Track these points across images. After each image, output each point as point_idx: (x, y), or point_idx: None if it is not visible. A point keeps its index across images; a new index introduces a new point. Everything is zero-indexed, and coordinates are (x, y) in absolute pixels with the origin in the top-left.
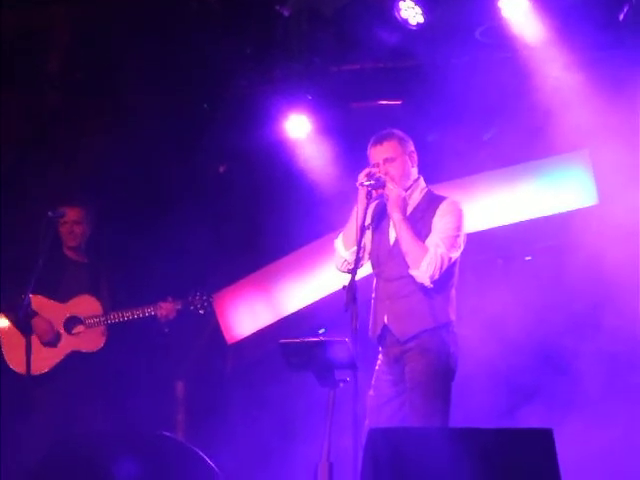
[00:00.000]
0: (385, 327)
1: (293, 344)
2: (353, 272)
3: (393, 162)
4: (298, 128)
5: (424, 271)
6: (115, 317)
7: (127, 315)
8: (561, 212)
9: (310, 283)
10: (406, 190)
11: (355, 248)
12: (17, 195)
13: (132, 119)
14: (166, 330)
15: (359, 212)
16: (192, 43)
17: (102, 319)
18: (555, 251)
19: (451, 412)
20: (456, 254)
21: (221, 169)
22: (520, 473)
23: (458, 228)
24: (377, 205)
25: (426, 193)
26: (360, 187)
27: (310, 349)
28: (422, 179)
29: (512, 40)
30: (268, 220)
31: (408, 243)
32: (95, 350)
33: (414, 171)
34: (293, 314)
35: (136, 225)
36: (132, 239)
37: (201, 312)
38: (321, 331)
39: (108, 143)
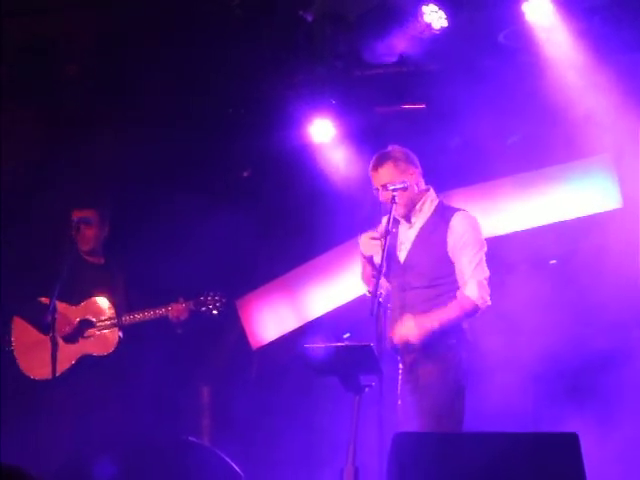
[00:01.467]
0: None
1: (318, 349)
2: (377, 278)
3: (388, 188)
4: (322, 132)
5: (483, 304)
6: (127, 319)
7: (139, 317)
8: (585, 215)
9: (335, 287)
10: (416, 203)
11: None
12: (34, 199)
13: (153, 124)
14: (179, 331)
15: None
16: (215, 48)
17: (114, 321)
18: (579, 254)
19: (466, 416)
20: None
21: (245, 174)
22: (545, 478)
23: (481, 246)
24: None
25: (437, 205)
26: (385, 191)
27: (335, 354)
28: (432, 190)
29: (536, 43)
30: (292, 225)
31: (454, 320)
32: (107, 353)
33: (418, 186)
34: (318, 319)
35: (158, 229)
36: (154, 243)
37: (214, 312)
38: (346, 336)
39: (128, 148)
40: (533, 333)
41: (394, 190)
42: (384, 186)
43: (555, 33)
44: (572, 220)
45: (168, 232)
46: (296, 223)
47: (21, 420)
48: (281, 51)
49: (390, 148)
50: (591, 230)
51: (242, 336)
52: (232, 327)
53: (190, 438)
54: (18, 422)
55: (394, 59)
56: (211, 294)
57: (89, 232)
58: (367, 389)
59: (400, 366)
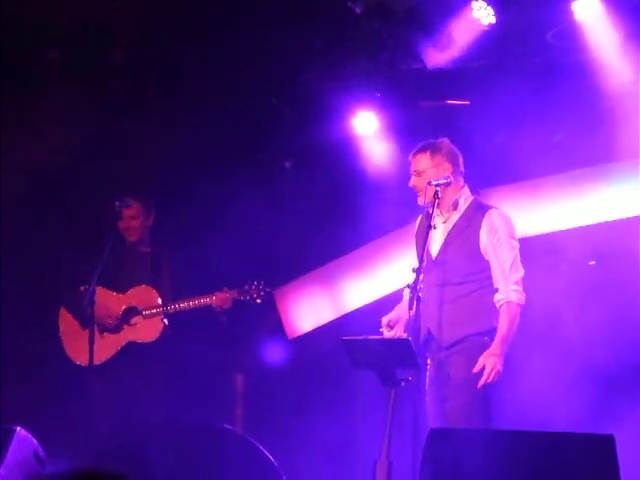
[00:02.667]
0: (430, 333)
1: (356, 341)
2: (418, 272)
3: (420, 175)
4: (366, 125)
5: (522, 303)
6: (172, 308)
7: (183, 305)
8: (626, 217)
9: (373, 280)
10: (450, 201)
11: None
12: (80, 186)
13: (197, 112)
14: (223, 320)
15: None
16: (261, 37)
17: (159, 310)
18: (619, 256)
19: (500, 414)
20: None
21: (287, 164)
22: (580, 479)
23: (515, 244)
24: (425, 215)
25: (472, 202)
26: (429, 186)
27: (373, 347)
28: (467, 187)
29: (584, 43)
30: (333, 216)
31: (512, 330)
32: (151, 341)
33: (457, 182)
34: (355, 311)
35: (202, 217)
36: (198, 231)
37: (258, 301)
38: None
39: (173, 134)
40: (571, 333)
41: (437, 185)
42: (414, 172)
43: (604, 32)
44: (612, 221)
45: (212, 221)
46: (336, 215)
47: (67, 405)
48: (328, 42)
49: (439, 140)
50: (631, 231)
51: (278, 325)
52: (269, 316)
53: (225, 426)
54: (64, 407)
55: (441, 54)
56: (255, 283)
57: (134, 223)
58: (403, 383)
59: (428, 362)
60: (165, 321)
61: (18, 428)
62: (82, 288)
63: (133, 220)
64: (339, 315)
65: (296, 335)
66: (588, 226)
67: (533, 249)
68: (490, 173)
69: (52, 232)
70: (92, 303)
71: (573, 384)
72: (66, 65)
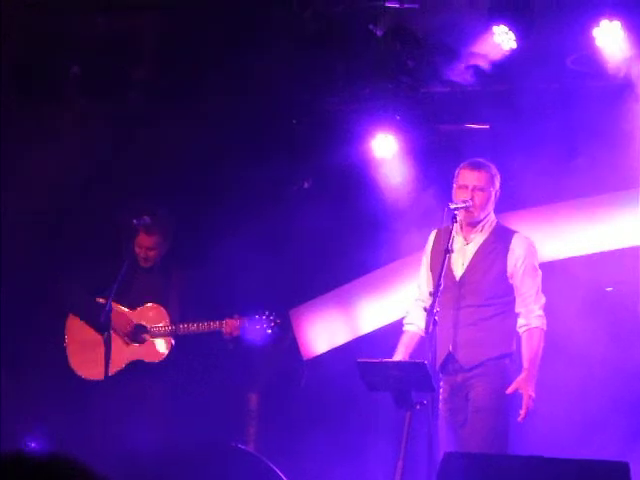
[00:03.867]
0: (449, 355)
1: (371, 364)
2: (435, 295)
3: (481, 192)
4: (384, 147)
5: (544, 325)
6: (181, 329)
7: (193, 328)
8: None
9: (390, 303)
10: (479, 222)
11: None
12: (93, 199)
13: (216, 131)
14: (230, 347)
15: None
16: (283, 57)
17: (168, 330)
18: (637, 282)
19: (516, 439)
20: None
21: (306, 185)
22: None
23: (539, 271)
24: (439, 233)
25: (495, 225)
26: (447, 210)
27: (388, 370)
28: (492, 213)
29: (604, 69)
30: (349, 238)
31: (539, 355)
32: (157, 361)
33: (492, 207)
34: (371, 333)
35: (213, 236)
36: (208, 250)
37: (268, 332)
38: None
39: (190, 153)
40: (587, 359)
41: (456, 209)
42: (475, 187)
43: (625, 60)
44: (631, 248)
45: (227, 239)
46: (354, 236)
47: (68, 419)
48: (349, 64)
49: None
50: None
51: (294, 345)
52: (284, 336)
53: (238, 445)
54: (65, 421)
55: (461, 78)
56: (266, 313)
57: (151, 253)
58: (419, 406)
59: (441, 384)
60: (173, 341)
61: (33, 444)
62: (100, 299)
63: (150, 251)
64: (355, 337)
65: (311, 356)
66: (605, 252)
67: (550, 275)
68: (508, 197)
69: (67, 242)
70: (108, 320)
71: (589, 410)
72: (86, 79)
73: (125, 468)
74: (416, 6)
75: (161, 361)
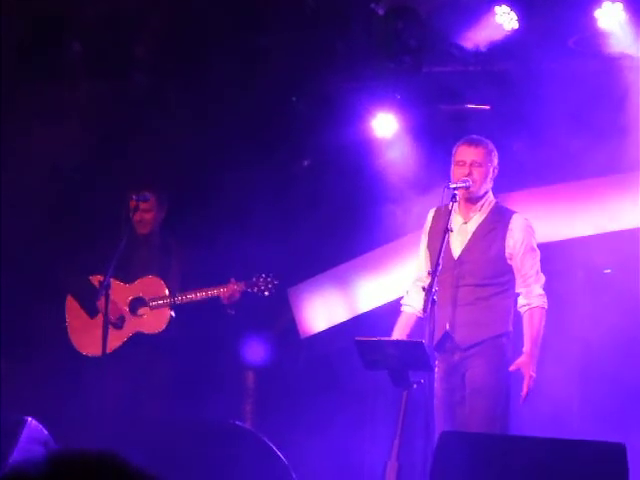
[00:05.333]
0: (446, 334)
1: (369, 342)
2: (433, 275)
3: (479, 167)
4: (385, 127)
5: (544, 304)
6: (179, 299)
7: (191, 296)
8: None
9: (388, 282)
10: (478, 200)
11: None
12: (92, 180)
13: (217, 108)
14: (231, 312)
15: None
16: (284, 36)
17: (166, 301)
18: (635, 264)
19: (514, 419)
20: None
21: (305, 163)
22: None
23: (536, 253)
24: (438, 212)
25: (494, 205)
26: (446, 190)
27: (386, 348)
28: (491, 192)
29: (606, 51)
30: (350, 216)
31: (540, 333)
32: (158, 332)
33: (490, 184)
34: (369, 312)
35: (213, 216)
36: (208, 229)
37: (266, 294)
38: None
39: (191, 130)
40: (585, 341)
41: (456, 189)
42: (473, 162)
43: (626, 41)
44: (629, 230)
45: (227, 217)
46: (354, 215)
47: (72, 396)
48: (350, 43)
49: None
50: None
51: (291, 324)
52: (282, 314)
53: (235, 422)
54: (69, 398)
55: (462, 57)
56: (263, 276)
57: (147, 215)
58: (416, 385)
59: (436, 363)
60: (172, 312)
61: (29, 419)
62: (92, 278)
63: (146, 213)
64: (353, 315)
65: (309, 334)
66: (604, 234)
67: (548, 256)
68: (508, 178)
69: (66, 223)
70: (107, 295)
71: (586, 391)
72: (88, 58)
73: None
74: None
75: (161, 332)
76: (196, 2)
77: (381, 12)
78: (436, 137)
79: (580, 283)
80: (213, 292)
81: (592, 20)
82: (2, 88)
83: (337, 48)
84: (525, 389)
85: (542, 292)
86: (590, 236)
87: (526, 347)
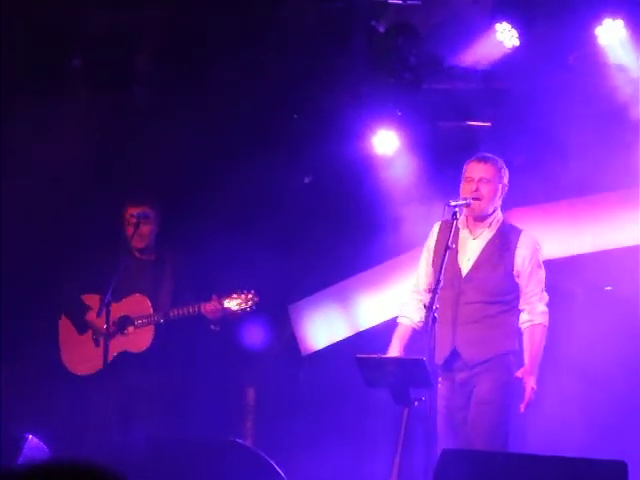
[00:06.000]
0: (454, 351)
1: (370, 359)
2: (434, 292)
3: (487, 184)
4: (386, 143)
5: (546, 321)
6: (161, 316)
7: (173, 314)
8: None
9: (389, 299)
10: (486, 217)
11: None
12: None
13: (217, 124)
14: (214, 328)
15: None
16: (285, 52)
17: (150, 319)
18: (635, 282)
19: (516, 437)
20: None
21: (306, 180)
22: None
23: (542, 271)
24: (444, 226)
25: (502, 223)
26: (447, 207)
27: (387, 366)
28: (500, 210)
29: (607, 67)
30: (350, 233)
31: (541, 350)
32: (142, 350)
33: (499, 202)
34: (370, 329)
35: (213, 232)
36: (207, 245)
37: (248, 310)
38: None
39: (191, 143)
40: (586, 357)
41: (456, 206)
42: (481, 179)
43: (627, 59)
44: (630, 247)
45: (226, 232)
46: (355, 232)
47: (63, 414)
48: (351, 59)
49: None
50: None
51: (292, 341)
52: (283, 331)
53: (235, 439)
54: (60, 415)
55: (463, 74)
56: (244, 292)
57: (145, 229)
58: (417, 403)
59: (439, 379)
60: (155, 331)
61: (30, 436)
62: (87, 296)
63: (145, 225)
64: (354, 332)
65: (310, 351)
66: (605, 251)
67: (549, 273)
68: (508, 194)
69: (66, 237)
70: (108, 313)
71: (588, 408)
72: (89, 71)
73: (120, 462)
74: (419, 2)
75: (145, 350)
76: (197, 17)
77: (382, 29)
78: (437, 154)
79: (580, 300)
80: (194, 309)
81: (592, 37)
82: (2, 98)
83: (338, 64)
84: (526, 400)
85: (545, 310)
86: (590, 253)
87: (527, 362)
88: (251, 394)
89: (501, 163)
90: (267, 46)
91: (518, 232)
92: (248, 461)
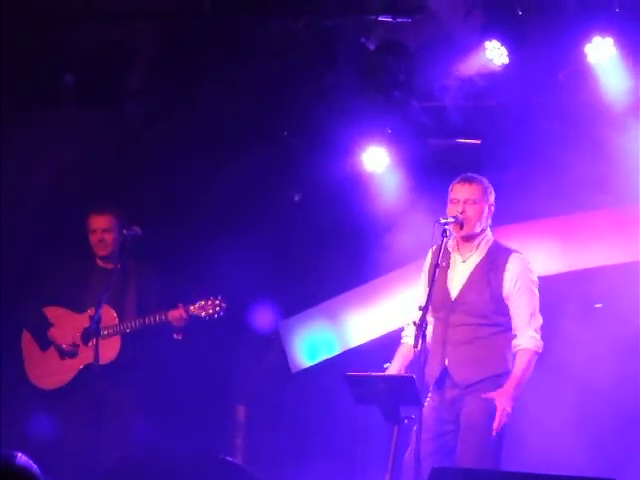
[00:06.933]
0: (445, 371)
1: (359, 377)
2: (424, 309)
3: (473, 205)
4: (376, 161)
5: (539, 350)
6: (127, 326)
7: (138, 323)
8: (633, 261)
9: (379, 316)
10: (474, 238)
11: None
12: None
13: (208, 140)
14: (178, 337)
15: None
16: (274, 68)
17: (116, 329)
18: (626, 299)
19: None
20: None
21: (296, 197)
22: None
23: (536, 292)
24: (437, 250)
25: (492, 243)
26: (437, 224)
27: (376, 383)
28: (489, 229)
29: (596, 85)
30: (339, 250)
31: (526, 376)
32: (109, 361)
33: (487, 222)
34: (360, 346)
35: (203, 249)
36: (199, 263)
37: (216, 317)
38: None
39: (183, 160)
40: (577, 375)
41: (446, 224)
42: (467, 200)
43: (616, 77)
44: (620, 264)
45: (215, 248)
46: (344, 249)
47: (34, 431)
48: (341, 77)
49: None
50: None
51: (282, 358)
52: (273, 348)
53: (226, 457)
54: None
55: (452, 92)
56: (211, 298)
57: (107, 236)
58: (407, 421)
59: (429, 396)
60: (121, 341)
61: (19, 454)
62: (48, 309)
63: (106, 233)
64: (343, 350)
65: (299, 368)
66: (596, 268)
67: (541, 289)
68: (497, 211)
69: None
70: (98, 330)
71: (579, 425)
72: (82, 87)
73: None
74: (408, 20)
75: (113, 362)
76: (187, 32)
77: (371, 46)
78: (427, 171)
79: (570, 317)
80: (160, 317)
81: (582, 55)
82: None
83: (328, 81)
84: (496, 422)
85: (536, 335)
86: (580, 270)
87: (508, 384)
88: (241, 411)
89: (487, 183)
90: (257, 62)
91: (508, 254)
92: (239, 479)
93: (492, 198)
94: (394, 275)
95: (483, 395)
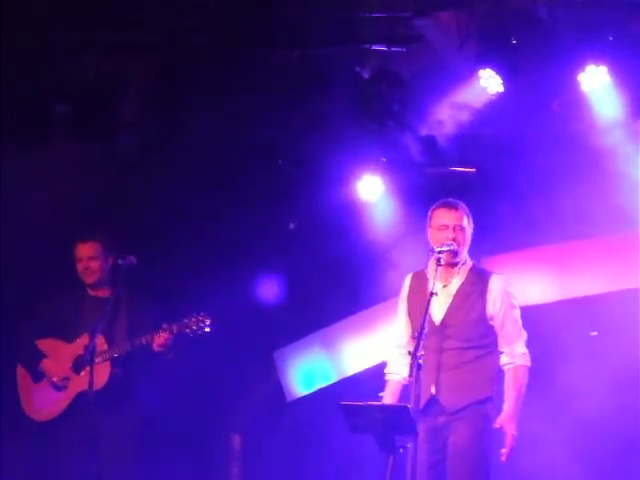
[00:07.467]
0: (432, 398)
1: (354, 407)
2: (418, 339)
3: (462, 231)
4: (371, 189)
5: (528, 364)
6: (115, 351)
7: (126, 347)
8: (629, 288)
9: (374, 345)
10: (457, 263)
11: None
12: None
13: (202, 170)
14: (168, 357)
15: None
16: (268, 97)
17: (105, 355)
18: (621, 327)
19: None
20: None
21: (291, 226)
22: None
23: (517, 311)
24: (416, 277)
25: (472, 267)
26: (431, 253)
27: (371, 413)
28: (467, 255)
29: (589, 113)
30: (335, 279)
31: (522, 393)
32: (100, 387)
33: (467, 247)
34: (355, 375)
35: (196, 276)
36: (194, 293)
37: (203, 331)
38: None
39: (178, 190)
40: (570, 403)
41: (440, 252)
42: (456, 226)
43: (609, 105)
44: (616, 292)
45: (211, 276)
46: (339, 277)
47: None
48: (335, 106)
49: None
50: (633, 303)
51: (277, 387)
52: (268, 377)
53: None
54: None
55: (446, 120)
56: (194, 315)
57: (92, 264)
58: (402, 450)
59: (420, 425)
60: (112, 367)
61: None
62: (41, 342)
63: (92, 261)
64: (339, 378)
65: (294, 397)
66: (590, 296)
67: (534, 318)
68: (492, 240)
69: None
70: (92, 360)
71: (573, 452)
72: (76, 119)
73: None
74: (403, 49)
75: (104, 388)
76: (180, 63)
77: (366, 75)
78: (422, 199)
79: (565, 345)
80: (147, 339)
81: (576, 83)
82: None
83: (321, 110)
84: (507, 449)
85: (525, 350)
86: (575, 298)
87: (508, 406)
88: (237, 440)
89: (466, 208)
90: (252, 92)
91: (488, 276)
92: None
93: (472, 223)
94: (390, 303)
95: (498, 424)
